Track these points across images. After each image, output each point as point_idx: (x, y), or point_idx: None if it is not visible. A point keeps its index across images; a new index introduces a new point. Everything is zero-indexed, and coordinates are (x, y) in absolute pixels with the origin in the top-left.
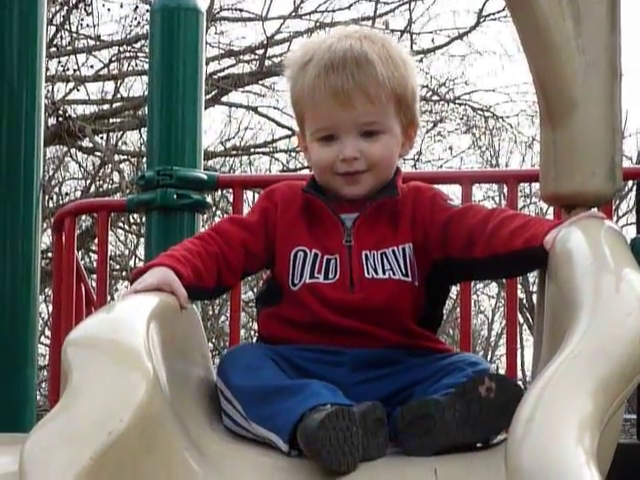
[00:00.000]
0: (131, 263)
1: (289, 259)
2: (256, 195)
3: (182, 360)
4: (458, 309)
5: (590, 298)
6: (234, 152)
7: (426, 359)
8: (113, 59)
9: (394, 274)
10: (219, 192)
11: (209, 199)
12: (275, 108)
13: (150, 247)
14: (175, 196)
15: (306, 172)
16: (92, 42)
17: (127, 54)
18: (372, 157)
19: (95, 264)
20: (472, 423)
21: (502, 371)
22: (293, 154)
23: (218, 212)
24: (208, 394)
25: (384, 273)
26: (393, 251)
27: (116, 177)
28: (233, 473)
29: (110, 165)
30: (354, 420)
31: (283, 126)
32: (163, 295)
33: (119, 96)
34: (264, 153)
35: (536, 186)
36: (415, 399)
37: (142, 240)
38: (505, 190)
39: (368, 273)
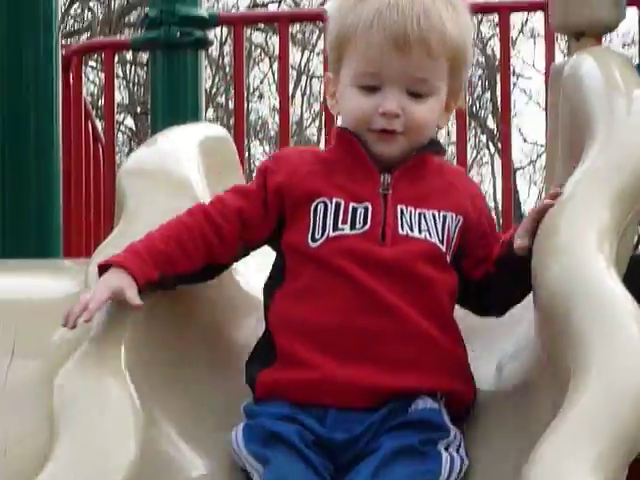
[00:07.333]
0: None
1: (309, 213)
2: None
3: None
4: None
5: (604, 119)
6: None
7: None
8: None
9: (431, 237)
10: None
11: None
12: None
13: (156, 86)
14: (178, 34)
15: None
16: None
17: None
18: (414, 119)
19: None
20: None
21: None
22: None
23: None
24: None
25: (420, 232)
26: (433, 215)
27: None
28: None
29: (80, 3)
30: None
31: None
32: None
33: None
34: None
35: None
36: None
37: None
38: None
39: (402, 229)
